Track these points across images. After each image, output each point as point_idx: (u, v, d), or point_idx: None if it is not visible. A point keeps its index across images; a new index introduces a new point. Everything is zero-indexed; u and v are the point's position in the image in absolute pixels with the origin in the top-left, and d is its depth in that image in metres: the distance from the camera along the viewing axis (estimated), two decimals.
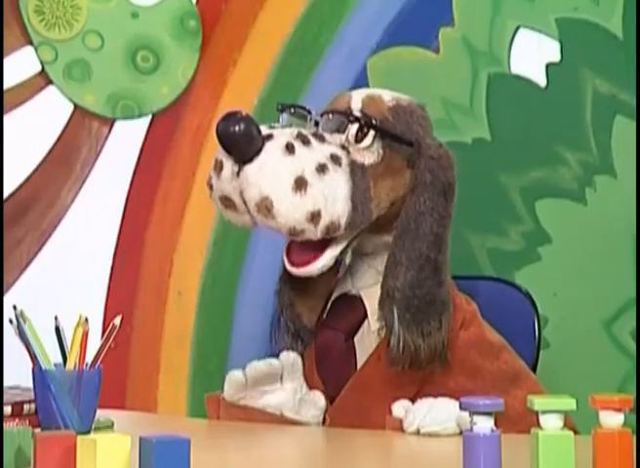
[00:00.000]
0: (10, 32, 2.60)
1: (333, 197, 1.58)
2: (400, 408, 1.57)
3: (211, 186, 1.62)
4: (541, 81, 2.31)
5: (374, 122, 1.63)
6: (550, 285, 2.25)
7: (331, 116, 1.66)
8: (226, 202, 1.60)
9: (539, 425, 1.13)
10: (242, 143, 1.54)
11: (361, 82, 2.42)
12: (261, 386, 1.64)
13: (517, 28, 2.33)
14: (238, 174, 1.55)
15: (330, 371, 1.68)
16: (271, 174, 1.55)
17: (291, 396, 1.65)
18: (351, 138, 1.63)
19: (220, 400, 1.66)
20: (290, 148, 1.57)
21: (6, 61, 2.59)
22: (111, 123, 2.60)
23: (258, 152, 1.55)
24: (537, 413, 1.14)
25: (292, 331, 1.72)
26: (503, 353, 1.69)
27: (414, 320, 1.60)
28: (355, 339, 1.68)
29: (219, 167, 1.58)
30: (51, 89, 2.60)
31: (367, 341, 1.67)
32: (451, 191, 1.67)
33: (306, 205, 1.56)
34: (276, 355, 1.69)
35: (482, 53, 2.35)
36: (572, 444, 1.12)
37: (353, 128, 1.63)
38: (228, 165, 1.57)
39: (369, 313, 1.67)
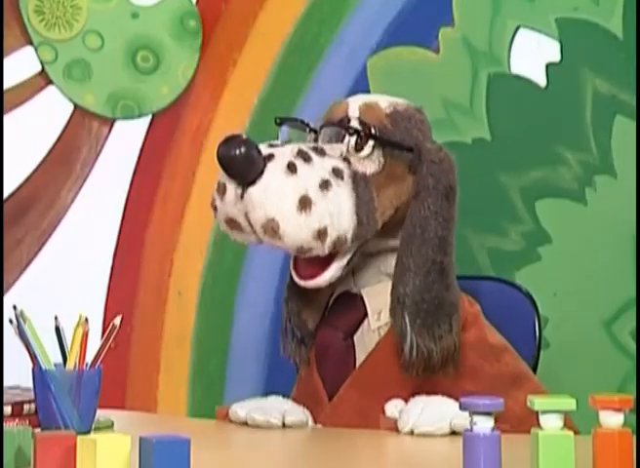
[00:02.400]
0: (10, 32, 2.60)
1: (338, 213, 1.59)
2: (393, 407, 1.58)
3: (215, 208, 1.63)
4: (541, 81, 2.31)
5: (372, 132, 1.64)
6: (550, 285, 2.25)
7: (329, 130, 1.66)
8: (232, 224, 1.60)
9: (539, 425, 1.13)
10: (244, 166, 1.54)
11: (361, 82, 2.42)
12: None
13: (517, 28, 2.33)
14: (242, 196, 1.56)
15: (329, 370, 1.68)
16: (275, 195, 1.55)
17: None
18: (351, 149, 1.63)
19: (228, 413, 1.66)
20: (292, 168, 1.57)
21: (6, 61, 2.59)
22: (111, 123, 2.60)
23: (260, 174, 1.55)
24: (537, 413, 1.14)
25: (298, 337, 1.72)
26: (505, 355, 1.69)
27: (424, 324, 1.61)
28: (355, 338, 1.68)
29: (222, 190, 1.59)
30: (51, 89, 2.60)
31: (366, 340, 1.67)
32: (453, 194, 1.68)
33: (312, 224, 1.56)
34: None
35: (482, 53, 2.35)
36: (572, 444, 1.12)
37: (352, 139, 1.64)
38: (231, 188, 1.57)
39: (369, 312, 1.68)
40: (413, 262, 1.62)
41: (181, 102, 2.58)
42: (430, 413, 1.51)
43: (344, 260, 1.64)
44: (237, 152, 1.53)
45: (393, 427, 1.54)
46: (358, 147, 1.64)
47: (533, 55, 2.32)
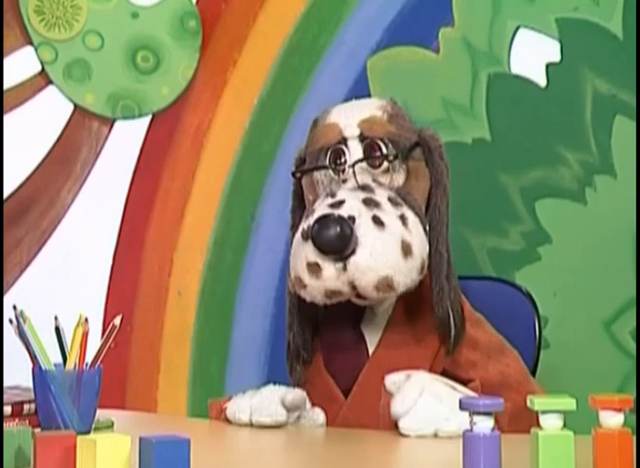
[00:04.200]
0: (10, 32, 2.60)
1: (421, 239, 1.62)
2: (392, 383, 1.57)
3: (304, 287, 1.61)
4: (541, 81, 2.31)
5: (384, 146, 1.65)
6: (550, 285, 2.25)
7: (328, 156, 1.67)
8: (333, 295, 1.60)
9: (538, 424, 1.14)
10: (343, 243, 1.55)
11: (361, 82, 2.42)
12: None
13: (517, 28, 2.33)
14: (345, 268, 1.57)
15: (341, 362, 1.69)
16: (383, 254, 1.57)
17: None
18: (366, 168, 1.65)
19: (223, 411, 1.65)
20: (377, 221, 1.59)
21: (6, 61, 2.59)
22: (111, 123, 2.60)
23: (357, 243, 1.57)
24: (536, 413, 1.14)
25: (304, 358, 1.73)
26: (486, 325, 1.72)
27: (450, 306, 1.65)
28: (362, 326, 1.69)
29: (315, 269, 1.58)
30: (51, 89, 2.60)
31: (373, 326, 1.69)
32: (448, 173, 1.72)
33: (417, 263, 1.60)
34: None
35: (482, 53, 2.35)
36: (572, 444, 1.12)
37: (359, 158, 1.65)
38: (329, 265, 1.58)
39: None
40: (444, 249, 1.66)
41: (181, 102, 2.58)
42: (417, 416, 1.50)
43: None
44: (334, 232, 1.55)
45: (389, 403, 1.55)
46: (377, 164, 1.65)
47: (533, 55, 2.32)
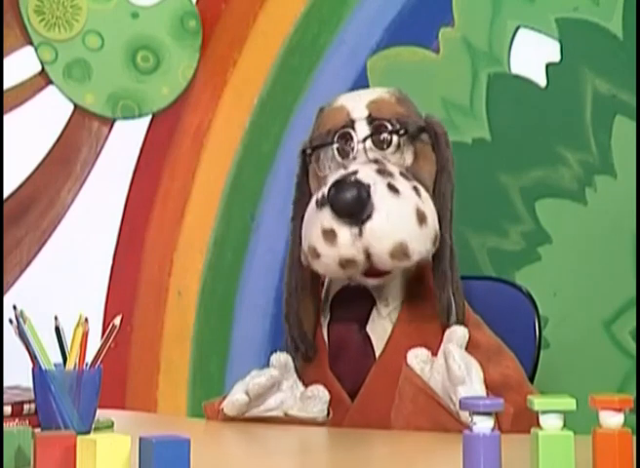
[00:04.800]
0: (10, 32, 2.60)
1: (434, 212, 1.63)
2: (414, 358, 1.58)
3: (318, 256, 1.61)
4: (541, 81, 2.31)
5: (396, 126, 1.65)
6: (550, 285, 2.25)
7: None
8: (348, 264, 1.59)
9: (538, 424, 1.14)
10: (359, 207, 1.56)
11: (361, 82, 2.42)
12: (263, 397, 1.64)
13: (517, 28, 2.33)
14: (360, 234, 1.57)
15: (347, 364, 1.68)
16: (398, 220, 1.58)
17: (289, 394, 1.65)
18: (375, 148, 1.64)
19: (220, 412, 1.65)
20: (392, 188, 1.59)
21: (6, 61, 2.59)
22: (111, 123, 2.60)
23: (373, 208, 1.57)
24: (537, 413, 1.14)
25: (302, 351, 1.71)
26: (484, 327, 1.72)
27: (454, 291, 1.67)
28: (368, 328, 1.68)
29: (330, 236, 1.58)
30: (51, 89, 2.60)
31: (379, 328, 1.68)
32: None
33: (431, 233, 1.61)
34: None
35: (482, 53, 2.35)
36: (572, 444, 1.12)
37: (367, 140, 1.65)
38: (344, 230, 1.57)
39: (377, 299, 1.67)
40: (447, 236, 1.67)
41: (181, 102, 2.58)
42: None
43: None
44: (350, 195, 1.55)
45: (412, 375, 1.55)
46: (384, 146, 1.65)
47: (533, 55, 2.32)
